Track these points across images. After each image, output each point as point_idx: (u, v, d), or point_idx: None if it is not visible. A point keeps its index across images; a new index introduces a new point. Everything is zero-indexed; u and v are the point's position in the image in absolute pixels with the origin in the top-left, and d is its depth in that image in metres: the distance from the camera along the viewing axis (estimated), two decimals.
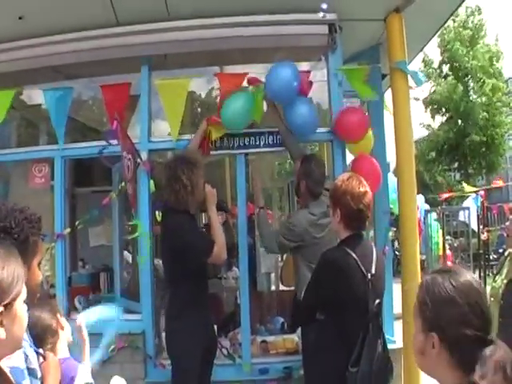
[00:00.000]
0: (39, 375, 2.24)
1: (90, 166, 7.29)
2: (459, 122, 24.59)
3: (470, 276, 1.80)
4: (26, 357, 2.11)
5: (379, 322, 3.39)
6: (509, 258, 4.30)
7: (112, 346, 4.66)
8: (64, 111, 5.18)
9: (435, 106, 25.37)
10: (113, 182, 5.96)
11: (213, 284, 7.11)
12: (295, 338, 5.11)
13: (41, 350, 2.39)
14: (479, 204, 14.56)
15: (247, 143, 4.89)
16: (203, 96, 7.31)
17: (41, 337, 2.70)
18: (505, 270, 4.34)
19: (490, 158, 24.85)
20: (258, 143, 4.90)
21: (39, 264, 2.33)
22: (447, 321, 1.72)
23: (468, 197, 15.06)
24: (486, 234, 14.42)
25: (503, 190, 31.26)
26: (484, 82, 24.07)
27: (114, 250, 6.16)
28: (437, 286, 1.77)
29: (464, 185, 16.64)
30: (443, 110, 25.32)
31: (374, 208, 5.38)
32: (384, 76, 6.05)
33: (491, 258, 15.77)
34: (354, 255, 3.33)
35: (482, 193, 15.00)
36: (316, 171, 4.39)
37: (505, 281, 4.16)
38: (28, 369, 2.10)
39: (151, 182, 5.08)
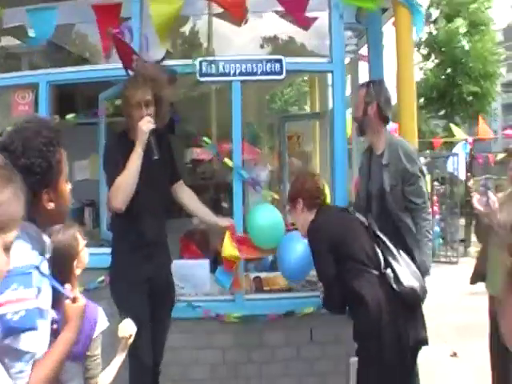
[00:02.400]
0: (50, 317, 2.04)
1: (74, 96, 7.02)
2: (449, 69, 24.38)
3: None
4: (39, 292, 1.90)
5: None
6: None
7: (101, 278, 4.50)
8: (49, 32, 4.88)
9: (427, 50, 25.08)
10: (99, 112, 5.69)
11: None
12: None
13: (68, 287, 2.25)
14: (467, 151, 14.53)
15: (244, 70, 4.62)
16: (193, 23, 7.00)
17: (64, 266, 2.55)
18: None
19: (477, 107, 24.76)
20: (255, 71, 4.64)
21: (66, 181, 2.20)
22: None
23: (457, 143, 14.99)
24: (472, 180, 14.40)
25: (486, 142, 31.45)
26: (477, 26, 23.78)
27: (100, 184, 5.95)
28: None
29: (453, 127, 16.45)
30: (433, 54, 25.07)
31: None
32: (384, 10, 5.81)
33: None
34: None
35: (470, 140, 14.93)
36: (385, 90, 4.27)
37: None
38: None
39: None
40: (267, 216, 4.48)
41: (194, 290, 4.73)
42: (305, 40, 5.64)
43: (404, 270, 3.42)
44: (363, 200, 4.30)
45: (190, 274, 4.68)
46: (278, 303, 4.66)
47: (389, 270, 3.40)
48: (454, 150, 14.51)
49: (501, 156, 19.99)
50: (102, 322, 2.64)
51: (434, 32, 24.89)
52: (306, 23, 4.94)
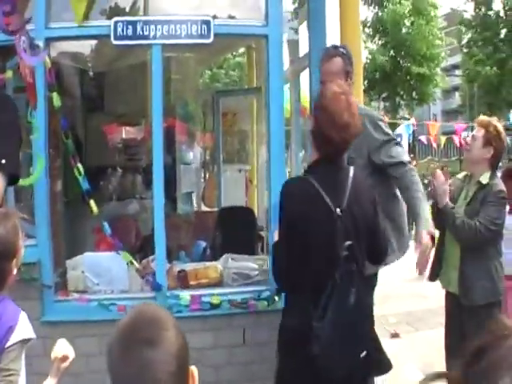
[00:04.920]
0: None
1: None
2: (393, 50, 24.49)
3: None
4: None
5: (352, 269, 2.72)
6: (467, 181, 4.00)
7: None
8: None
9: (370, 30, 25.07)
10: None
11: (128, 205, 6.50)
12: (218, 266, 4.48)
13: None
14: (410, 132, 14.35)
15: (166, 33, 4.02)
16: None
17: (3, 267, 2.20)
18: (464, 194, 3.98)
19: (422, 89, 24.94)
20: (179, 33, 4.05)
21: None
22: None
23: (400, 124, 14.80)
24: (415, 162, 14.28)
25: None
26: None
27: None
28: None
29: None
30: (378, 35, 25.12)
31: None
32: None
33: None
34: (317, 186, 2.70)
35: (413, 121, 14.78)
36: None
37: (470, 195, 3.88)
38: None
39: (54, 94, 4.10)
40: None
41: (109, 286, 4.16)
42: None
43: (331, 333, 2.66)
44: None
45: (105, 268, 4.12)
46: (205, 299, 4.12)
47: (318, 325, 2.62)
48: (397, 131, 14.27)
49: (443, 139, 20.07)
50: (22, 331, 2.16)
51: (380, 13, 24.98)
52: None
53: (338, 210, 2.70)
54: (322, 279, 2.66)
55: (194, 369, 1.49)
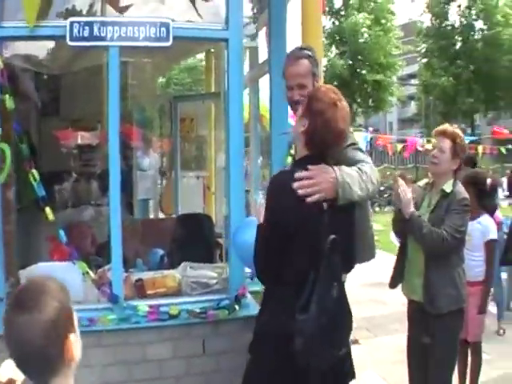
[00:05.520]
0: None
1: None
2: (351, 60, 24.85)
3: None
4: None
5: (335, 262, 2.71)
6: (429, 188, 4.03)
7: None
8: None
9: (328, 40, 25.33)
10: None
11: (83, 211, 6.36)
12: (176, 274, 4.38)
13: None
14: (368, 140, 14.53)
15: (123, 34, 3.90)
16: None
17: None
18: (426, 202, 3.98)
19: (378, 96, 25.27)
20: (137, 35, 3.93)
21: None
22: None
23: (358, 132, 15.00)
24: None
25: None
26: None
27: None
28: None
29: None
30: (335, 45, 25.45)
31: (270, 128, 4.80)
32: None
33: None
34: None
35: (371, 129, 14.98)
36: None
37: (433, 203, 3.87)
38: None
39: (6, 96, 3.93)
40: None
41: None
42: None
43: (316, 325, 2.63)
44: None
45: (60, 279, 3.91)
46: (163, 310, 4.00)
47: (301, 317, 2.60)
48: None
49: (399, 147, 20.33)
50: (5, 372, 2.00)
51: (337, 23, 25.32)
52: None
53: (324, 204, 2.71)
54: (305, 271, 2.66)
55: (73, 337, 1.71)
